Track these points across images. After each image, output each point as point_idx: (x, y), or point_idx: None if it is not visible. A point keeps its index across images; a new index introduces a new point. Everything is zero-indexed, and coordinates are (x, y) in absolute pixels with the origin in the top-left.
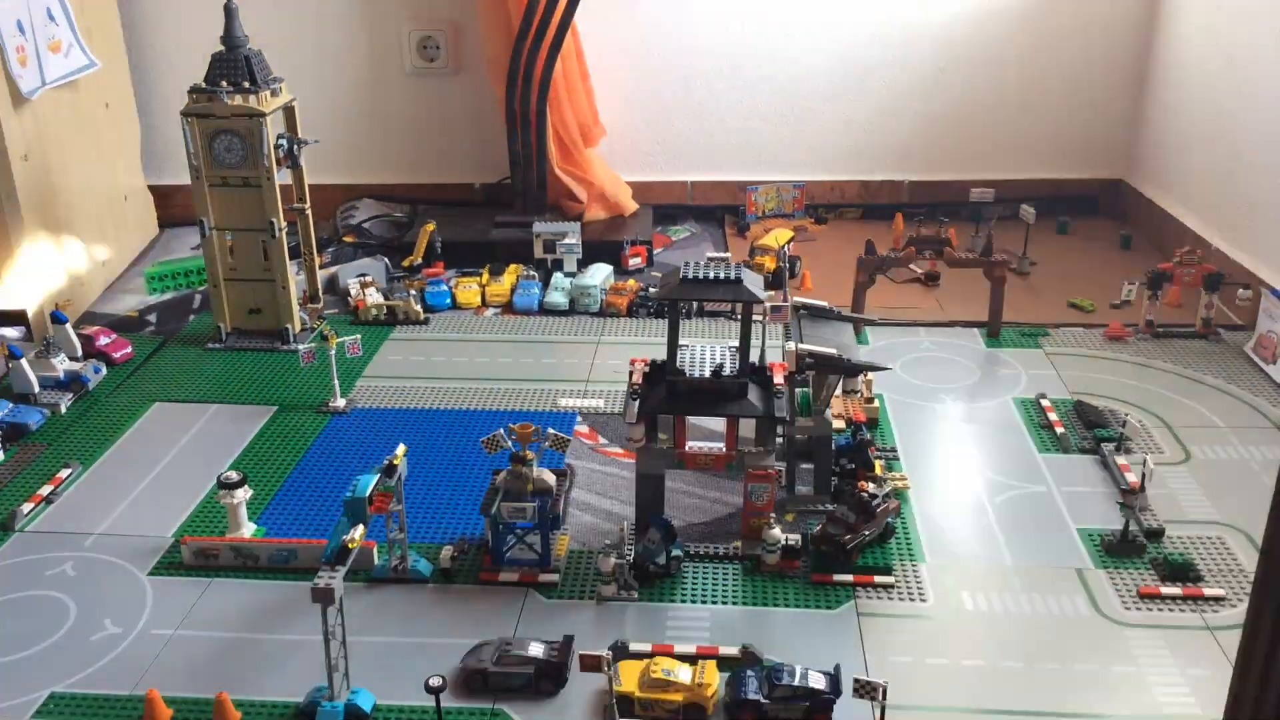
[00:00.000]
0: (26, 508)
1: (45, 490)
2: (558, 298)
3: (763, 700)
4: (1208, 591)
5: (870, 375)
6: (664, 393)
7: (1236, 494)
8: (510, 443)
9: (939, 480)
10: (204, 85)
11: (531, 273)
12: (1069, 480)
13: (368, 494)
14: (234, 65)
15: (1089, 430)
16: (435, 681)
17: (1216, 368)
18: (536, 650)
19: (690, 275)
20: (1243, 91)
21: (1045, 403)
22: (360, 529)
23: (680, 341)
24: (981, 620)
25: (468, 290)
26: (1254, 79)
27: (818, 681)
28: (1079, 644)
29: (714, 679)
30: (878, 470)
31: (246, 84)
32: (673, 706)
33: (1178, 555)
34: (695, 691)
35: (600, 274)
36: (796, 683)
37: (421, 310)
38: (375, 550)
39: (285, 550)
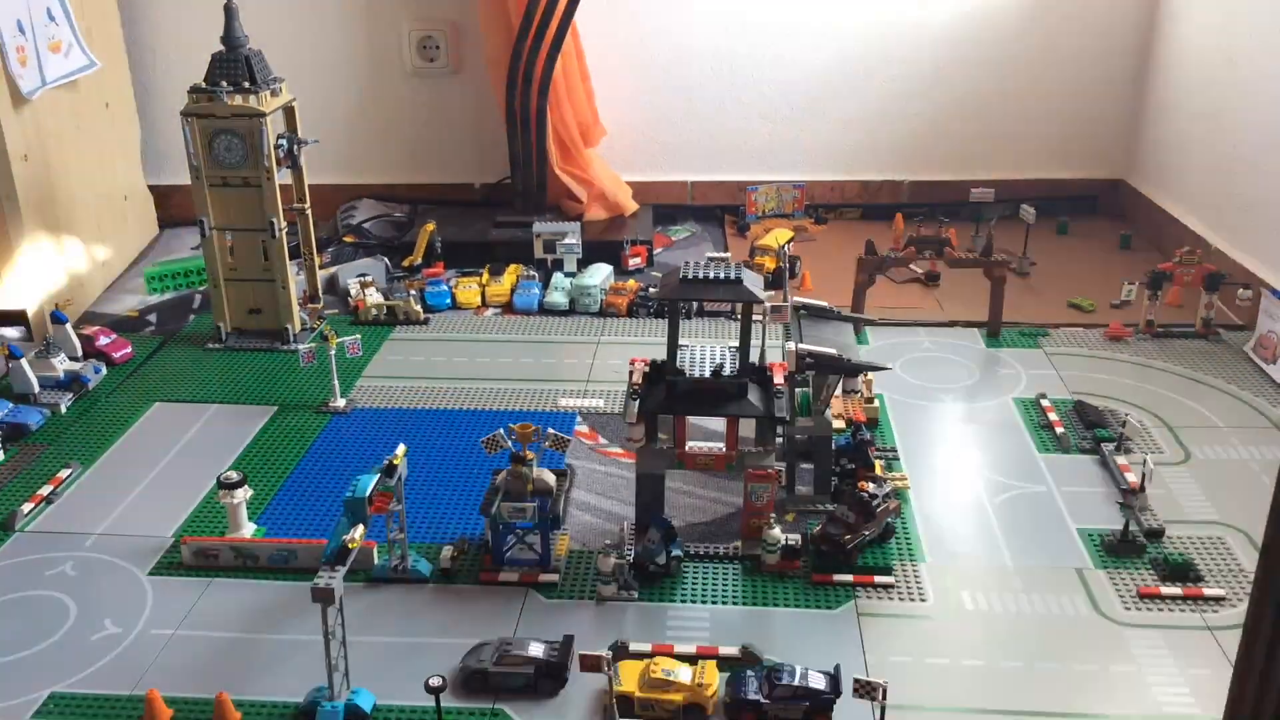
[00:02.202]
0: (26, 508)
1: (45, 490)
2: (558, 298)
3: (763, 700)
4: (1208, 591)
5: (870, 375)
6: (664, 393)
7: (1236, 494)
8: (510, 443)
9: (939, 480)
10: (204, 85)
11: (531, 273)
12: (1069, 480)
13: (368, 494)
14: (234, 65)
15: (1089, 430)
16: (435, 681)
17: (1217, 368)
18: (537, 650)
19: (690, 275)
20: (1242, 91)
21: (1045, 403)
22: (360, 529)
23: (680, 341)
24: (981, 620)
25: (468, 290)
26: (1253, 79)
27: (818, 682)
28: (1079, 644)
29: (714, 679)
30: (878, 470)
31: (246, 84)
32: (673, 707)
33: (1178, 555)
34: (696, 692)
35: (600, 274)
36: (797, 683)
37: (421, 310)
38: (375, 550)
39: (285, 550)
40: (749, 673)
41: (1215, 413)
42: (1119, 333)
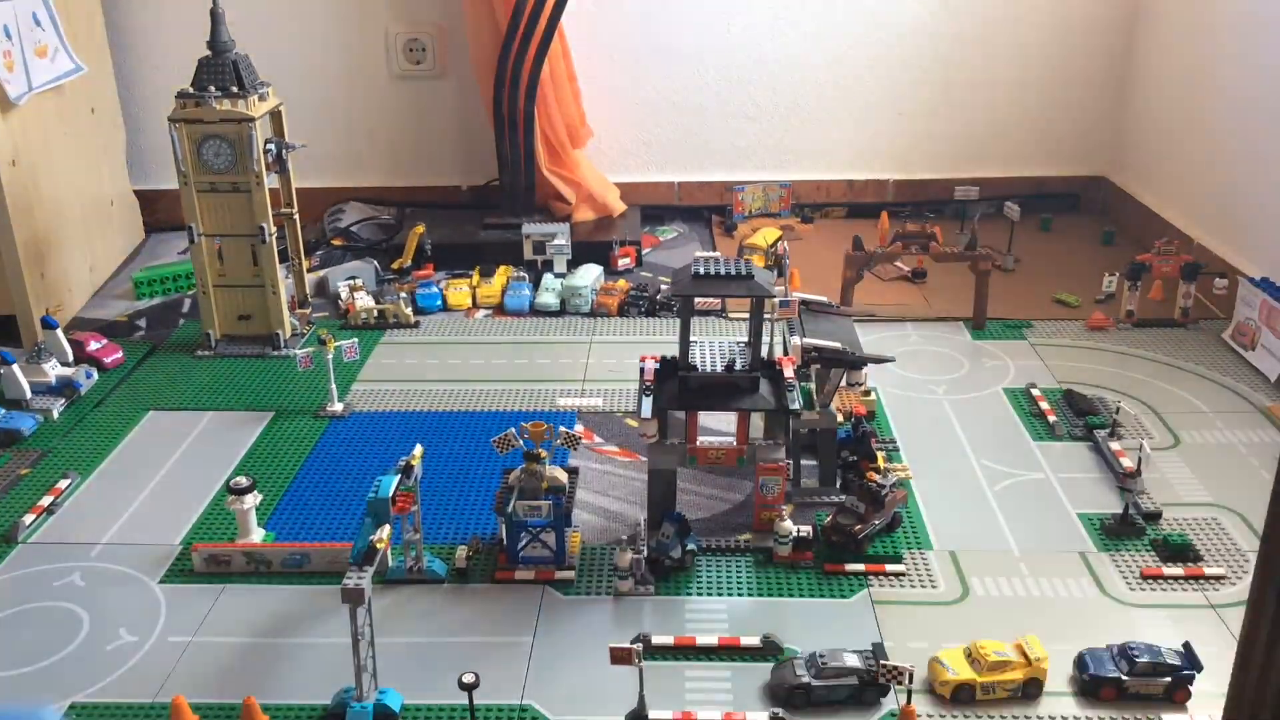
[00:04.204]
0: (28, 519)
1: (46, 501)
2: (548, 299)
3: (1124, 676)
4: (1208, 571)
5: (867, 368)
6: (676, 388)
7: (1226, 476)
8: (522, 441)
9: (939, 470)
10: (191, 90)
11: (521, 274)
12: (1065, 467)
13: (390, 494)
14: (221, 70)
15: (1080, 418)
16: (468, 678)
17: (1197, 355)
18: (853, 660)
19: (703, 271)
20: (1221, 89)
21: (1036, 392)
22: (386, 529)
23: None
24: (993, 605)
25: (458, 292)
26: (1232, 76)
27: (1173, 658)
28: (1089, 625)
29: (1043, 652)
30: (880, 462)
31: (234, 88)
32: (1013, 685)
33: (1177, 536)
34: (1034, 667)
35: (590, 274)
36: (1153, 659)
37: (412, 313)
38: (389, 551)
39: (298, 554)
40: (1101, 651)
41: (1199, 398)
42: (1100, 322)
